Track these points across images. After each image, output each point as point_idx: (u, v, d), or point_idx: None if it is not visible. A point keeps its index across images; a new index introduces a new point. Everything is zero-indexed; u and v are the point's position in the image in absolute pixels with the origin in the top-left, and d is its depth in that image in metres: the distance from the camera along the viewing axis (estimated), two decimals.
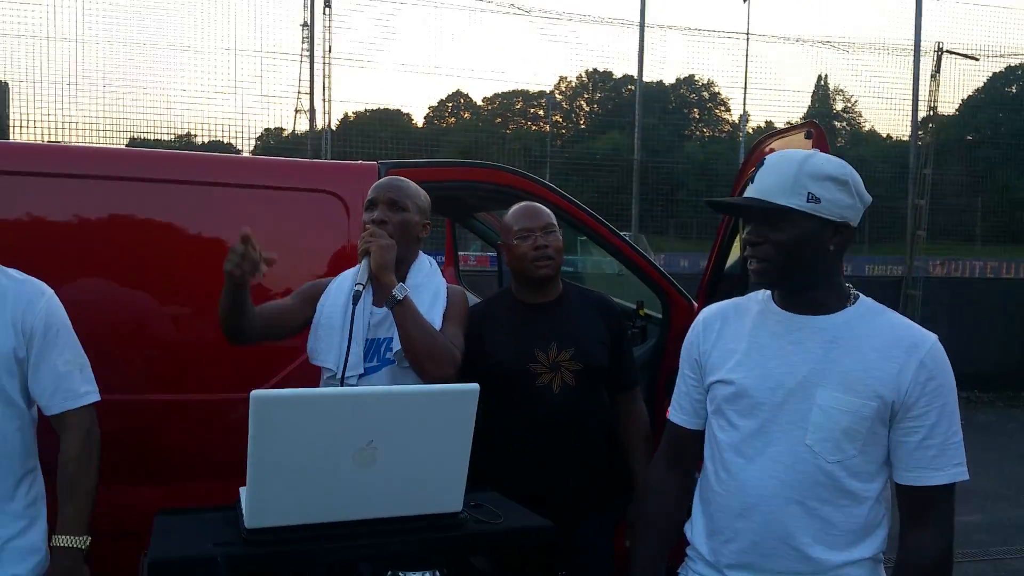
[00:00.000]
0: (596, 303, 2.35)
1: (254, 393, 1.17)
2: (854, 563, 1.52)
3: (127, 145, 7.94)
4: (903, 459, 1.51)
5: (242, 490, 1.31)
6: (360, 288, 1.83)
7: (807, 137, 1.99)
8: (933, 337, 1.52)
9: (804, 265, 1.51)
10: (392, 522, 1.32)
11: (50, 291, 1.84)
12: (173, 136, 9.04)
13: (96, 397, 1.86)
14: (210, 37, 9.16)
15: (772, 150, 1.61)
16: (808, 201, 1.47)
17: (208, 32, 9.14)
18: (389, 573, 1.31)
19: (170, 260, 2.48)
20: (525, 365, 2.17)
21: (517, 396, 2.17)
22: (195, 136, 8.98)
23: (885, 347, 1.49)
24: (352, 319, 1.83)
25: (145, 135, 8.39)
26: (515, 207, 2.30)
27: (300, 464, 1.24)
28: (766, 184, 1.50)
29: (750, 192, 1.53)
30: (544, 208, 2.28)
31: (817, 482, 1.50)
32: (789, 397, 1.52)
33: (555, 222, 2.26)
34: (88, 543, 1.76)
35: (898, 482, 1.52)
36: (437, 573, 1.32)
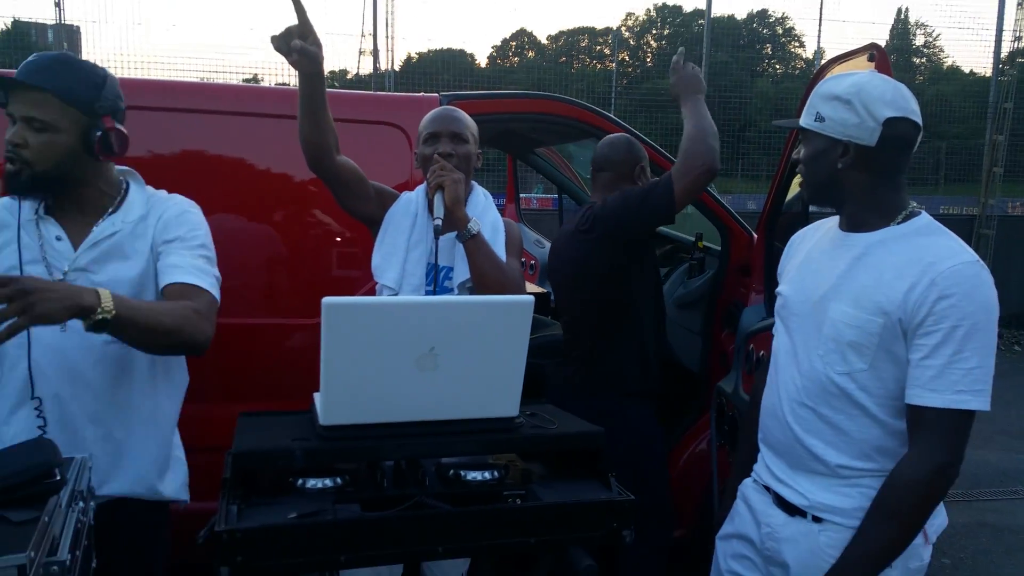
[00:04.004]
0: None
1: (325, 300, 1.26)
2: (871, 472, 1.53)
3: None
4: (908, 375, 1.47)
5: (315, 395, 1.42)
6: (440, 222, 1.86)
7: (870, 59, 1.94)
8: (965, 258, 1.43)
9: (824, 182, 1.58)
10: (453, 424, 1.41)
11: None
12: (240, 79, 9.17)
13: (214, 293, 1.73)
14: None
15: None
16: (815, 120, 1.54)
17: None
18: (451, 472, 1.41)
19: (246, 190, 2.61)
20: None
21: None
22: (261, 79, 9.10)
23: (904, 265, 1.46)
24: (436, 251, 1.91)
25: (212, 75, 8.55)
26: None
27: (368, 367, 1.33)
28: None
29: None
30: None
31: (828, 391, 1.55)
32: (813, 309, 1.59)
33: None
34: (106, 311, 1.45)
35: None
36: (496, 473, 1.40)
